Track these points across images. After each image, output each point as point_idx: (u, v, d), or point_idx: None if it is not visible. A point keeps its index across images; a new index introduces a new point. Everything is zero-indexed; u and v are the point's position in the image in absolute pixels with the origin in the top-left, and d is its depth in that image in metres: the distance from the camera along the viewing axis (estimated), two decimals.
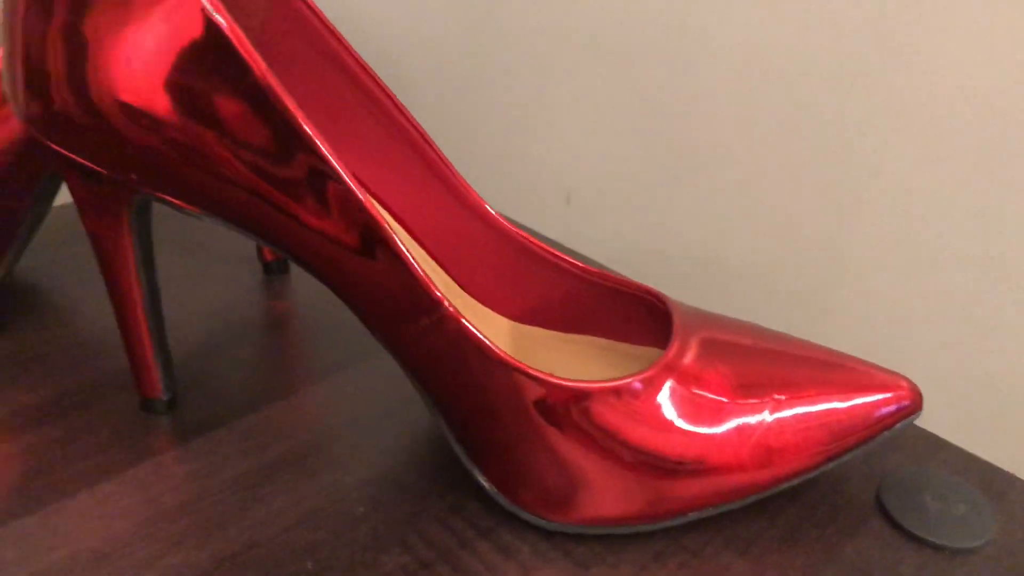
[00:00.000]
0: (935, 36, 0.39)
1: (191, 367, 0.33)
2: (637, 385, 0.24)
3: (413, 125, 0.29)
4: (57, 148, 0.25)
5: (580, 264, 0.30)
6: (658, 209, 0.53)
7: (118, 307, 0.28)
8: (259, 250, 0.39)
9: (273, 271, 0.39)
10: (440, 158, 0.29)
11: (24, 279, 0.38)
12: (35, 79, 0.24)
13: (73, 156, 0.25)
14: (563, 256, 0.30)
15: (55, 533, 0.26)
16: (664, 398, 0.25)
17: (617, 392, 0.24)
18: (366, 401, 0.31)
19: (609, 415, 0.24)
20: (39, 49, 0.24)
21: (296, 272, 0.40)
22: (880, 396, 0.26)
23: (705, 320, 0.27)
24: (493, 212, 0.30)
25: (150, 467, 0.28)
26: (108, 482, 0.28)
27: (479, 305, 0.31)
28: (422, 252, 0.30)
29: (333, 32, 0.27)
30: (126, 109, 0.23)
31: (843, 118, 0.43)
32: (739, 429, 0.25)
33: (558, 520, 0.26)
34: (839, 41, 0.42)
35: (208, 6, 0.22)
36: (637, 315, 0.30)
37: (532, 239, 0.30)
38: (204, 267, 0.39)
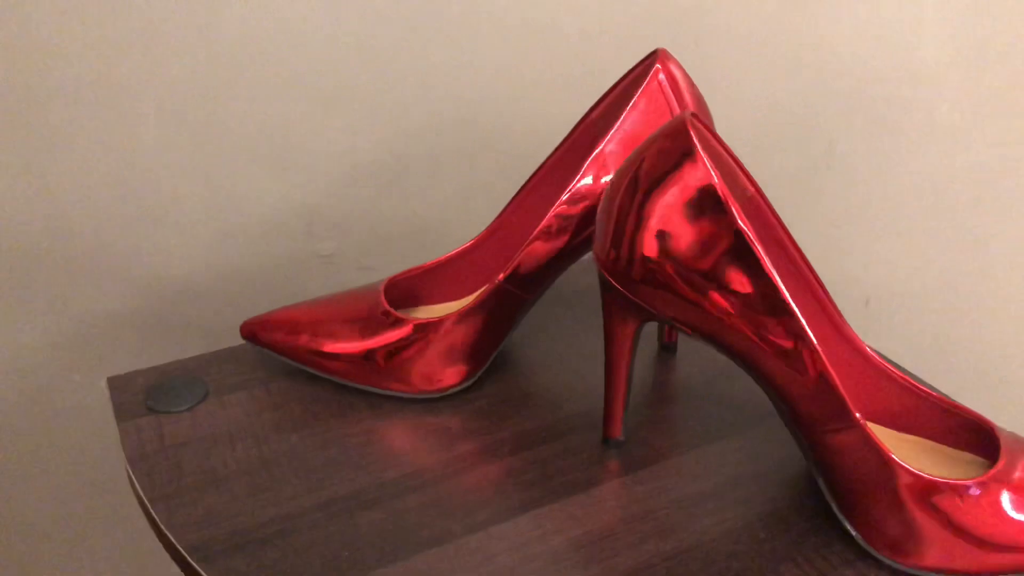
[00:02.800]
0: None
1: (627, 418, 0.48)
2: (975, 490, 0.37)
3: (817, 280, 0.43)
4: (609, 278, 0.41)
5: (924, 387, 0.43)
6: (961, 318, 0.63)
7: (608, 377, 0.44)
8: (660, 333, 0.54)
9: (668, 350, 0.54)
10: (831, 303, 0.43)
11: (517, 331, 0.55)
12: (613, 233, 0.40)
13: (614, 283, 0.41)
14: (911, 380, 0.43)
15: (557, 522, 0.42)
16: (990, 499, 0.37)
17: (960, 489, 0.37)
18: (759, 457, 0.45)
19: (948, 502, 0.37)
20: (622, 214, 0.40)
21: (681, 353, 0.55)
22: None
23: None
24: (865, 345, 0.43)
25: (617, 484, 0.44)
26: (596, 487, 0.44)
27: None
28: None
29: (775, 215, 0.42)
30: (645, 261, 0.39)
31: None
32: None
33: (902, 562, 0.39)
34: None
35: (744, 229, 0.37)
36: (960, 428, 0.42)
37: (889, 366, 0.43)
38: None
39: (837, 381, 0.37)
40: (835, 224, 0.66)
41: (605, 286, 0.42)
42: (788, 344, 0.37)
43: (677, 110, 0.46)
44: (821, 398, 0.37)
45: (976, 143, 0.57)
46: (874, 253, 0.65)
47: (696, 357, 0.54)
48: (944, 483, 0.37)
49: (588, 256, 0.53)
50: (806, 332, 0.37)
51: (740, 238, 0.37)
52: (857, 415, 0.37)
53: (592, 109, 0.49)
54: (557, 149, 0.50)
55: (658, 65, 0.45)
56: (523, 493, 0.43)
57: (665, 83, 0.45)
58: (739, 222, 0.37)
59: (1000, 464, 0.38)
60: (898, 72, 0.58)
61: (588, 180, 0.46)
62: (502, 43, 0.68)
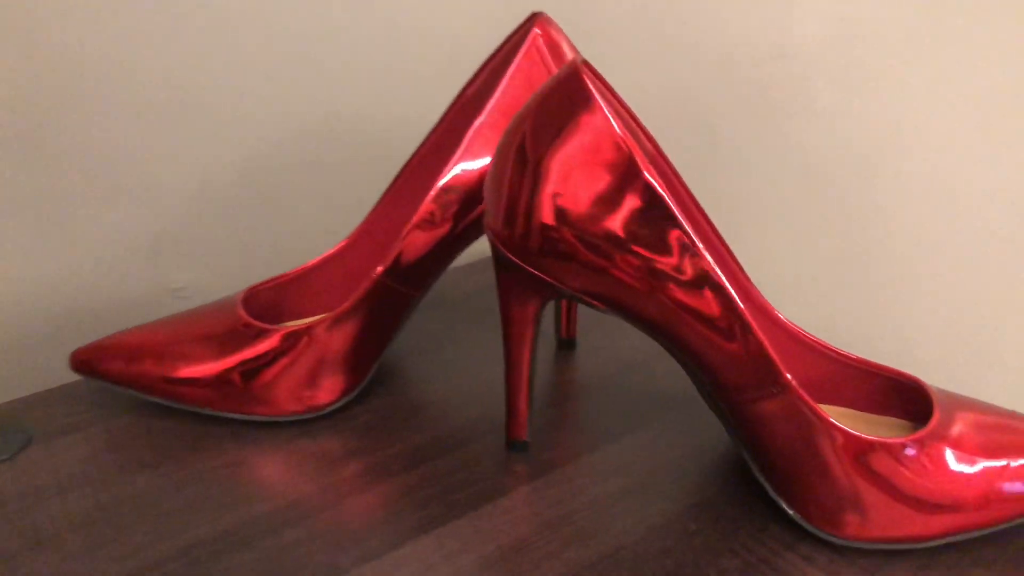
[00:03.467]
0: None
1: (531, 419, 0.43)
2: (911, 449, 0.34)
3: (724, 245, 0.40)
4: (505, 252, 0.36)
5: (842, 351, 0.40)
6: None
7: (509, 370, 0.39)
8: (557, 329, 0.50)
9: (564, 347, 0.50)
10: (741, 269, 0.40)
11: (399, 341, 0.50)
12: (507, 201, 0.35)
13: (512, 258, 0.36)
14: (829, 345, 0.40)
15: (463, 539, 0.36)
16: (929, 456, 0.34)
17: (896, 448, 0.34)
18: (676, 446, 0.42)
19: (885, 464, 0.34)
20: (514, 178, 0.35)
21: (581, 349, 0.50)
22: None
23: (957, 400, 0.37)
24: (777, 312, 0.40)
25: (527, 490, 0.39)
26: (504, 496, 0.38)
27: None
28: None
29: (676, 174, 0.38)
30: (544, 229, 0.35)
31: None
32: (984, 476, 0.35)
33: (845, 537, 0.35)
34: None
35: (652, 180, 0.33)
36: (885, 391, 0.40)
37: (804, 332, 0.40)
38: None
39: (765, 342, 0.33)
40: (722, 213, 0.64)
41: (501, 263, 0.37)
42: (710, 308, 0.34)
43: None
44: (748, 363, 0.34)
45: (857, 123, 0.57)
46: (762, 240, 0.63)
47: (598, 352, 0.50)
48: (880, 442, 0.34)
49: (475, 254, 0.48)
50: (728, 291, 0.33)
51: (649, 191, 0.33)
52: (788, 376, 0.33)
53: (468, 85, 0.45)
54: (432, 132, 0.45)
55: (537, 30, 0.42)
56: (421, 512, 0.37)
57: (545, 49, 0.42)
58: (646, 174, 0.33)
59: (935, 420, 0.35)
60: (773, 53, 0.57)
61: (469, 159, 0.42)
62: (358, 42, 0.63)
